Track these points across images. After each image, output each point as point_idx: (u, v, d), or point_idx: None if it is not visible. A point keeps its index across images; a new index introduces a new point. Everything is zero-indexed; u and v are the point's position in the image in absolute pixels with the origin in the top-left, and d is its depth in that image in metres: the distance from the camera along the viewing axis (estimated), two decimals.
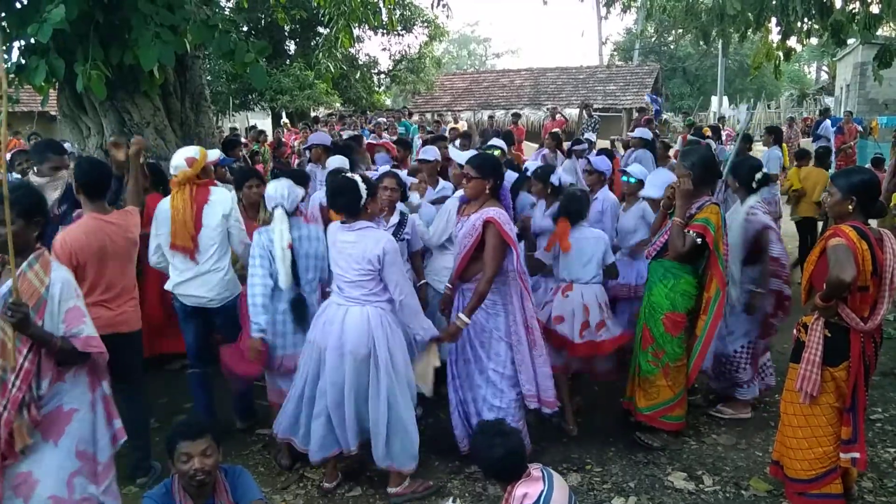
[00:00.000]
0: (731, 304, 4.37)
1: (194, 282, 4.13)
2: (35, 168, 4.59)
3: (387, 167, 5.56)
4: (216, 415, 4.35)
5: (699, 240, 3.85)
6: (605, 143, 12.01)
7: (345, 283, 3.58)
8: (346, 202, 3.57)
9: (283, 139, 13.56)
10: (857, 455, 3.28)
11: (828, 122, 14.98)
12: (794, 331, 3.46)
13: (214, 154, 4.39)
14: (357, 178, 3.62)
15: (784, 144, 10.02)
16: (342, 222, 3.64)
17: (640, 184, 4.97)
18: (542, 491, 2.72)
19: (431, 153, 5.82)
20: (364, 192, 3.55)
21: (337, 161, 5.51)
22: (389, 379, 3.55)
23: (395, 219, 4.44)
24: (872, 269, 3.13)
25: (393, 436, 3.60)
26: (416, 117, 17.44)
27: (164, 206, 4.11)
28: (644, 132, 8.54)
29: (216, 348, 4.25)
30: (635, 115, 21.60)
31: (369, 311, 3.53)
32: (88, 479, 2.75)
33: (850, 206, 3.22)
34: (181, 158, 4.10)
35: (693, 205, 3.94)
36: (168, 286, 4.22)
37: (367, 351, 3.51)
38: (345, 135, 11.20)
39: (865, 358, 3.24)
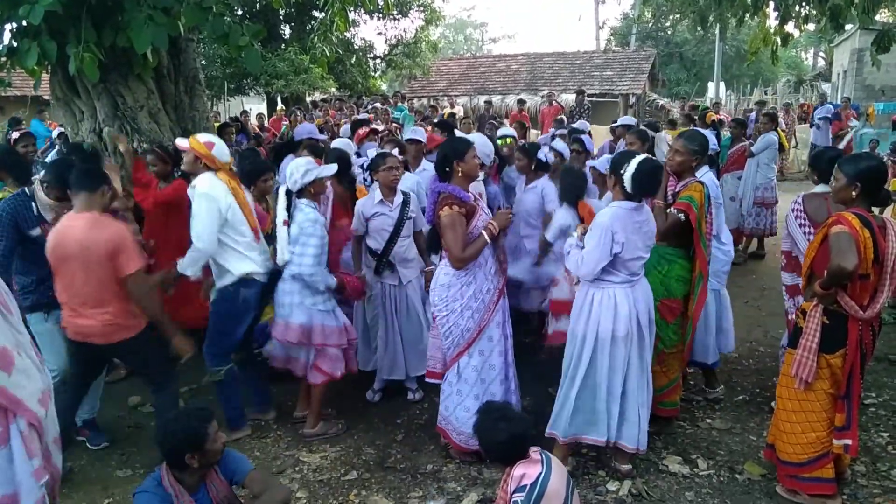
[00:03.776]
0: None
1: (262, 260, 4.12)
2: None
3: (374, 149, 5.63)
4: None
5: (682, 216, 3.85)
6: (604, 129, 11.92)
7: (638, 264, 3.58)
8: (655, 185, 3.65)
9: (267, 125, 14.00)
10: (848, 442, 3.31)
11: (818, 110, 15.05)
12: (793, 316, 3.47)
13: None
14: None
15: (780, 130, 10.01)
16: (633, 204, 3.56)
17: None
18: (541, 473, 2.73)
19: (420, 134, 5.78)
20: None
21: (341, 143, 5.59)
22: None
23: (398, 198, 4.51)
24: (874, 256, 3.13)
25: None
26: (406, 104, 17.24)
27: (216, 192, 3.88)
28: (628, 119, 8.20)
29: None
30: (631, 100, 21.57)
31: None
32: None
33: (854, 193, 3.21)
34: (223, 146, 4.04)
35: (678, 182, 4.01)
36: (247, 271, 4.02)
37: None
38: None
39: (862, 346, 3.25)
